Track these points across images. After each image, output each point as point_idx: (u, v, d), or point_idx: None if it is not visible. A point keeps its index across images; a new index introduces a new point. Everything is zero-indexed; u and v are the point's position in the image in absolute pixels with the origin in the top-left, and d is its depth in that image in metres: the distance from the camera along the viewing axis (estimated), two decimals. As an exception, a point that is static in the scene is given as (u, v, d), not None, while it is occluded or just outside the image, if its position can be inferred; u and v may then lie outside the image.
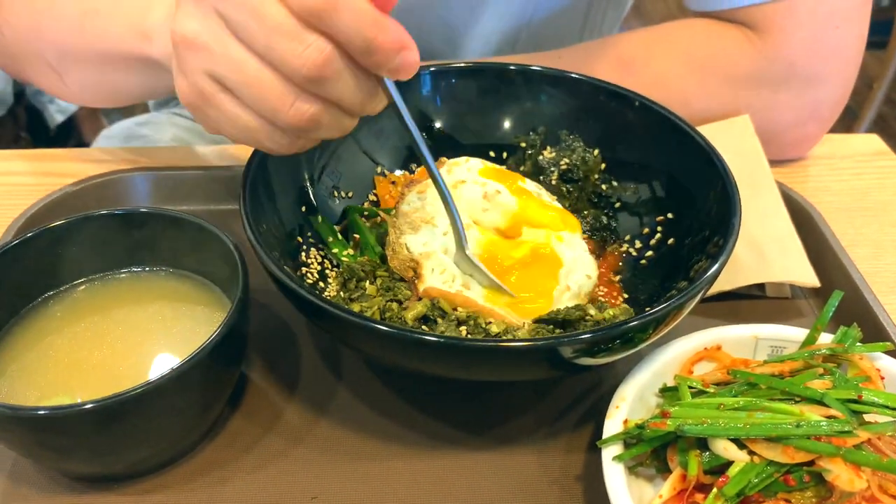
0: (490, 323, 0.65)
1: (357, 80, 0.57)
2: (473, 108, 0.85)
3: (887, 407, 0.57)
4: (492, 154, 0.84)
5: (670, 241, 0.75)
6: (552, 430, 0.68)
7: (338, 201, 0.80)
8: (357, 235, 0.77)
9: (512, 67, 0.84)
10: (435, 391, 0.71)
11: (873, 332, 0.72)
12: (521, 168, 0.84)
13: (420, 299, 0.67)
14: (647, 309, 0.59)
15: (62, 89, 0.92)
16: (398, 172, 0.84)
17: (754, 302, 0.80)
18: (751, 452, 0.54)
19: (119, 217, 0.70)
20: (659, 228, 0.77)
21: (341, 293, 0.70)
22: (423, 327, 0.66)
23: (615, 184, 0.81)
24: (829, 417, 0.55)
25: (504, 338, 0.64)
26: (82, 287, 0.71)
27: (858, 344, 0.63)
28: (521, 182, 0.76)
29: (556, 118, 0.83)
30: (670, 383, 0.64)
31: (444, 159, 0.78)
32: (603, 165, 0.82)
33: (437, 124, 0.85)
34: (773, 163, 0.91)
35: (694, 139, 0.74)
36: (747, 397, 0.58)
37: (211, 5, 0.55)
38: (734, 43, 0.93)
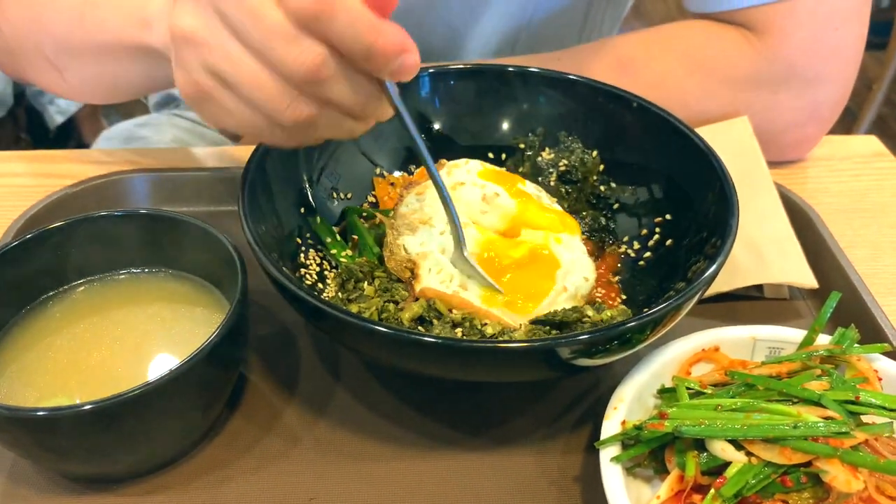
0: (486, 325, 0.65)
1: (355, 83, 0.57)
2: (472, 110, 0.85)
3: (885, 408, 0.57)
4: (490, 155, 0.84)
5: (668, 242, 0.75)
6: (550, 431, 0.68)
7: (336, 203, 0.80)
8: (356, 237, 0.77)
9: (510, 69, 0.84)
10: (433, 393, 0.71)
11: (871, 334, 0.72)
12: (520, 169, 0.84)
13: (417, 300, 0.68)
14: (646, 310, 0.59)
15: (61, 85, 0.92)
16: (397, 174, 0.84)
17: (752, 303, 0.80)
18: (748, 453, 0.55)
19: (118, 218, 0.70)
20: (657, 229, 0.77)
21: (339, 294, 0.71)
22: (420, 328, 0.66)
23: (614, 185, 0.82)
24: (826, 419, 0.55)
25: (501, 339, 0.64)
26: (82, 288, 0.71)
27: (856, 345, 0.64)
28: (521, 184, 0.76)
29: (554, 119, 0.84)
30: (668, 384, 0.64)
31: (443, 161, 0.78)
32: (601, 167, 0.82)
33: (436, 126, 0.85)
34: (772, 164, 0.91)
35: (692, 141, 0.74)
36: (745, 398, 0.58)
37: (209, 2, 0.56)
38: (733, 44, 0.93)
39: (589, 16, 1.19)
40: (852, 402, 0.57)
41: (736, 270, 0.78)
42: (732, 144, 0.88)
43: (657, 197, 0.79)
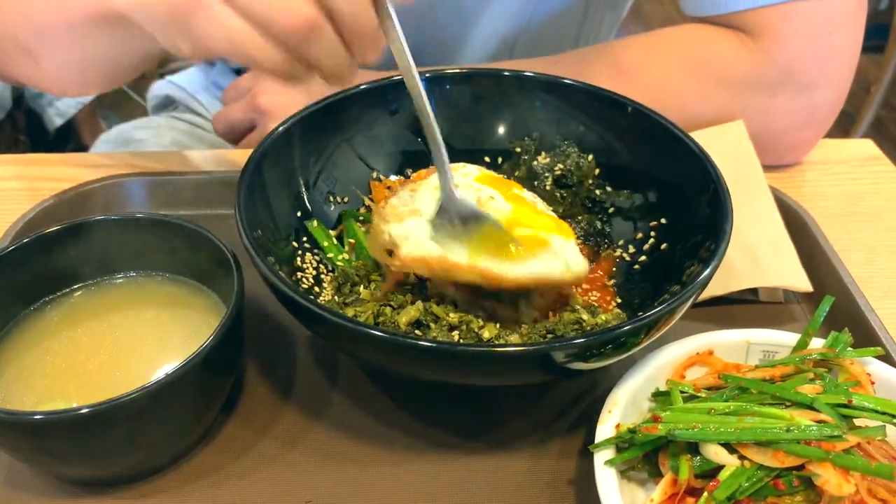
0: (483, 328, 0.66)
1: None
2: (468, 114, 0.85)
3: (877, 411, 0.58)
4: (486, 159, 0.85)
5: (663, 246, 0.75)
6: (545, 434, 0.68)
7: (333, 206, 0.80)
8: (352, 240, 0.77)
9: (506, 73, 0.84)
10: (429, 397, 0.71)
11: (865, 337, 0.72)
12: (516, 173, 0.84)
13: (397, 283, 0.66)
14: (640, 314, 0.60)
15: (38, 74, 0.90)
16: (394, 177, 0.84)
17: (747, 306, 0.80)
18: (741, 457, 0.55)
19: (116, 222, 0.71)
20: (652, 233, 0.77)
21: (336, 298, 0.71)
22: (417, 332, 0.66)
23: (609, 189, 0.82)
24: (818, 422, 0.55)
25: (497, 343, 0.65)
26: (79, 292, 0.71)
27: (849, 349, 0.64)
28: (518, 190, 0.76)
29: (550, 124, 0.84)
30: (663, 388, 0.65)
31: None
32: (597, 171, 0.82)
33: (433, 129, 0.85)
34: (768, 168, 0.91)
35: (687, 145, 0.75)
36: (738, 402, 0.59)
37: None
38: (730, 48, 0.94)
39: (587, 18, 1.19)
40: (845, 406, 0.58)
41: (731, 274, 0.79)
42: (727, 148, 0.88)
43: (652, 201, 0.79)
